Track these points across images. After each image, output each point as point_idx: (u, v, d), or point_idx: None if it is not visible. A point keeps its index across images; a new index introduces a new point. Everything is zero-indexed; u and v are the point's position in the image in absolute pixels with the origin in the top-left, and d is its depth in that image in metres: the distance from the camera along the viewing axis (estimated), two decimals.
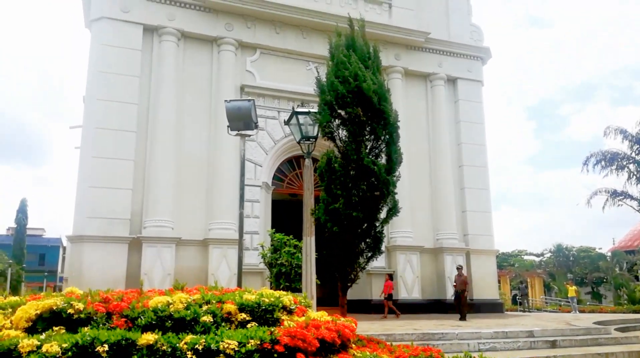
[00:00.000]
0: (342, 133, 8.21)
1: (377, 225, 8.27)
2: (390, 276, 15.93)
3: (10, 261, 36.73)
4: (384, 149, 8.30)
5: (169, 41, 15.58)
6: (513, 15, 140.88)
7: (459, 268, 14.56)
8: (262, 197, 16.00)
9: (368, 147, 8.16)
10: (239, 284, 7.82)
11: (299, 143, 8.23)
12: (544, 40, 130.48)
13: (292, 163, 17.32)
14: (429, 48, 18.95)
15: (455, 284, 14.64)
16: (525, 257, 52.08)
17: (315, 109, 8.58)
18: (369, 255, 8.28)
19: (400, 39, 18.18)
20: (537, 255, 50.41)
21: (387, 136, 8.17)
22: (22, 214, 45.31)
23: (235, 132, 7.93)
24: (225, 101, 8.06)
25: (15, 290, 38.37)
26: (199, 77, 16.06)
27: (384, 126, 8.12)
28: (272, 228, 15.72)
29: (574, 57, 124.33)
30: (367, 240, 8.13)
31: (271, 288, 10.33)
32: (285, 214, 17.09)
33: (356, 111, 7.81)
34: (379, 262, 15.69)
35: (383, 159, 8.31)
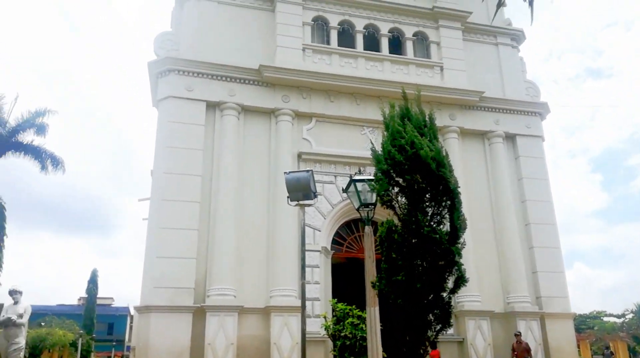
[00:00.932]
0: (402, 200, 8.14)
1: (445, 295, 7.96)
2: (434, 345, 14.40)
3: (81, 331, 37.92)
4: (446, 216, 8.11)
5: (229, 115, 16.38)
6: (570, 68, 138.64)
7: (518, 335, 13.60)
8: (321, 262, 15.91)
9: (429, 214, 8.02)
10: (303, 356, 7.68)
11: (357, 210, 8.23)
12: (603, 91, 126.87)
13: (351, 227, 17.26)
14: (484, 106, 18.85)
15: (516, 353, 13.60)
16: (605, 319, 48.21)
17: (372, 173, 8.62)
18: (438, 327, 7.92)
19: (454, 99, 18.24)
20: (618, 317, 46.61)
21: (448, 202, 8.01)
22: (92, 284, 47.19)
23: (295, 203, 8.06)
24: (285, 172, 8.28)
25: None
26: (258, 147, 16.64)
27: (444, 193, 7.98)
28: (333, 293, 15.56)
29: (636, 107, 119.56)
30: (435, 311, 7.80)
31: None
32: (345, 278, 16.84)
33: (415, 178, 7.76)
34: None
35: (446, 226, 8.12)
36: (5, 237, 20.33)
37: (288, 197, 8.29)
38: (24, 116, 22.87)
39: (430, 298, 7.71)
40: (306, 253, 14.52)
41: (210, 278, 14.75)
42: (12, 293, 12.31)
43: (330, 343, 12.64)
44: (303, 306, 7.70)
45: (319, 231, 16.15)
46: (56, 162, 23.20)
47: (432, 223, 7.94)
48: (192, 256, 14.78)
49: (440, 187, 7.86)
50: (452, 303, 8.43)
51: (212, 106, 16.48)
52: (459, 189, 8.22)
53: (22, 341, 12.23)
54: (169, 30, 17.66)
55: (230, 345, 13.92)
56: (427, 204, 8.02)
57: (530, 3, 4.48)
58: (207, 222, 15.36)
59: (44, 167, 22.91)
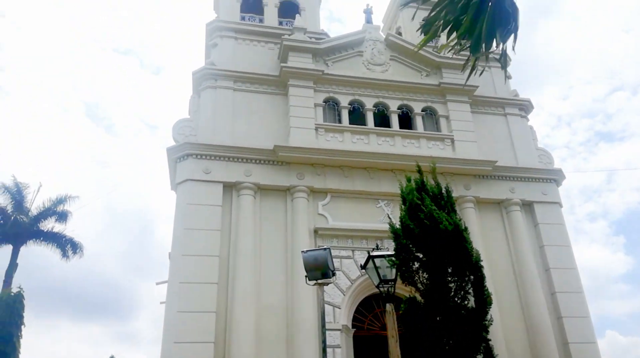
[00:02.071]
0: (423, 275, 8.03)
1: None
2: None
3: None
4: (470, 291, 7.95)
5: (246, 195, 16.66)
6: (581, 133, 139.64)
7: None
8: (342, 342, 15.42)
9: (452, 290, 7.87)
10: None
11: (377, 286, 8.12)
12: (617, 154, 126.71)
13: (371, 303, 16.86)
14: (498, 175, 18.95)
15: None
16: None
17: (390, 246, 8.57)
18: None
19: (467, 169, 18.40)
20: None
21: (472, 277, 7.88)
22: None
23: (313, 282, 8.00)
24: (302, 251, 8.27)
25: None
26: (275, 225, 16.74)
27: (467, 267, 7.88)
28: None
29: None
30: None
31: None
32: (368, 357, 16.21)
33: (435, 253, 7.70)
34: None
35: (471, 301, 7.93)
36: (23, 326, 20.19)
37: (306, 276, 8.23)
38: (45, 204, 23.53)
39: None
40: (327, 332, 14.16)
41: None
42: None
43: None
44: None
45: (339, 308, 15.80)
46: (75, 247, 23.54)
47: (456, 299, 7.77)
48: (211, 340, 14.46)
49: (462, 262, 7.76)
50: None
51: (229, 187, 16.81)
52: (482, 264, 8.10)
53: None
54: (187, 117, 18.42)
55: None
56: (449, 279, 7.89)
57: (503, 67, 4.99)
58: (225, 303, 15.16)
59: (64, 254, 23.21)
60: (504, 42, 4.52)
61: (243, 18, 21.08)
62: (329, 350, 14.58)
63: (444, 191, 8.88)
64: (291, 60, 18.92)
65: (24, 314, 20.28)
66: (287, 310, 15.45)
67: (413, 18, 19.11)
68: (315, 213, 17.11)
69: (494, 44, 4.54)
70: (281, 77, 18.81)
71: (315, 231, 16.71)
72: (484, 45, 4.41)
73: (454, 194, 13.01)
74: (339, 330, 15.43)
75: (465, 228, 8.29)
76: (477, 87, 19.97)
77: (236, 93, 18.47)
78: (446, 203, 8.55)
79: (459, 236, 7.84)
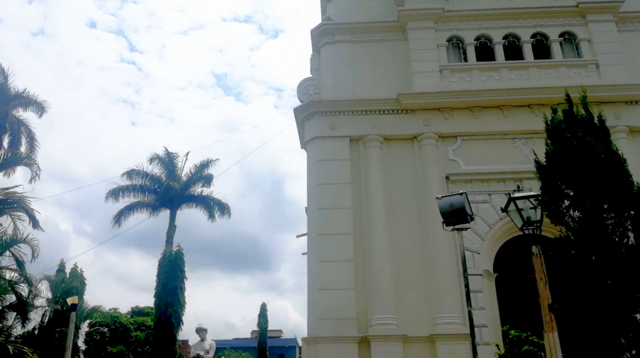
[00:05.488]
0: (575, 214, 7.40)
1: (638, 316, 6.96)
2: None
3: None
4: (629, 227, 7.18)
5: (372, 147, 16.70)
6: None
7: None
8: (484, 286, 15.09)
9: (609, 227, 7.16)
10: None
11: (521, 229, 7.72)
12: None
13: (513, 246, 16.14)
14: None
15: None
16: None
17: (532, 187, 8.05)
18: (634, 352, 6.93)
19: (616, 96, 16.40)
20: None
21: (632, 212, 7.08)
22: (262, 318, 50.48)
23: (450, 228, 7.86)
24: (437, 197, 8.15)
25: None
26: (404, 174, 16.62)
27: (626, 201, 7.09)
28: (501, 318, 14.62)
29: None
30: (629, 335, 6.86)
31: None
32: (512, 302, 15.67)
33: (589, 189, 7.00)
34: None
35: (631, 239, 7.18)
36: (185, 280, 22.82)
37: (443, 222, 8.11)
38: (192, 171, 25.85)
39: (619, 319, 6.80)
40: (468, 278, 13.94)
41: (371, 308, 14.86)
42: (199, 330, 13.79)
43: None
44: (472, 335, 7.37)
45: (478, 253, 15.40)
46: (223, 208, 25.67)
47: (613, 236, 7.08)
48: (352, 287, 15.08)
49: (621, 196, 6.98)
50: None
51: (356, 140, 16.94)
52: None
53: None
54: (309, 76, 18.74)
55: None
56: (605, 216, 7.18)
57: None
58: (362, 252, 15.61)
59: (211, 215, 25.48)
60: None
61: None
62: (471, 295, 14.37)
63: (596, 120, 7.96)
64: (408, 1, 18.12)
65: (184, 269, 22.87)
66: (424, 256, 15.45)
67: None
68: (445, 159, 16.61)
69: None
70: (399, 21, 18.15)
71: (447, 177, 16.27)
72: None
73: None
74: (479, 275, 15.09)
75: (624, 160, 7.42)
76: (623, 1, 17.46)
77: (355, 45, 18.28)
78: (600, 132, 7.65)
79: (619, 168, 7.02)
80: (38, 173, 19.65)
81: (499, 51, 17.60)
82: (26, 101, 20.76)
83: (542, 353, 8.49)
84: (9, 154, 19.37)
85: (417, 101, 16.73)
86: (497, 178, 16.09)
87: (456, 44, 18.07)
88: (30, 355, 17.86)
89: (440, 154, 16.61)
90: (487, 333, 14.15)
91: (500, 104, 16.73)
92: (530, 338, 9.79)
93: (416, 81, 17.11)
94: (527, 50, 17.55)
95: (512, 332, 10.46)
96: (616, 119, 16.38)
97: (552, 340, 6.88)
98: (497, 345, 11.17)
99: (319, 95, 17.67)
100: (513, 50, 17.84)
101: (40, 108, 20.73)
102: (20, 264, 18.62)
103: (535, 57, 17.47)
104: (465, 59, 17.68)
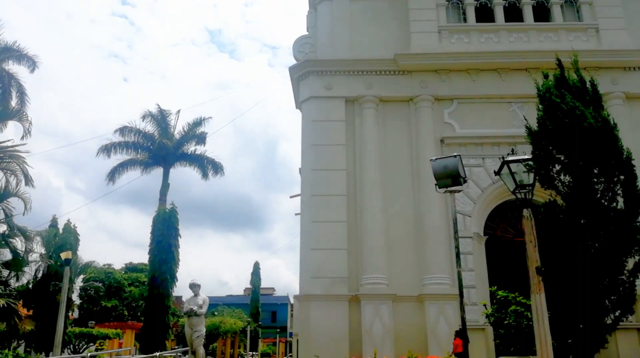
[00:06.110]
0: (565, 178, 7.44)
1: (624, 278, 7.13)
2: (457, 333, 11.20)
3: (249, 320, 41.47)
4: (618, 192, 7.25)
5: (368, 108, 16.56)
6: None
7: None
8: (474, 248, 15.34)
9: (599, 191, 7.23)
10: (465, 346, 7.53)
11: (513, 192, 7.77)
12: None
13: (504, 210, 16.33)
14: None
15: None
16: None
17: (526, 151, 8.06)
18: (617, 313, 7.13)
19: (614, 62, 16.28)
20: None
21: (621, 177, 7.13)
22: (255, 276, 51.37)
23: (443, 190, 7.90)
24: (431, 159, 8.14)
25: (254, 346, 42.99)
26: (399, 136, 16.57)
27: (616, 166, 7.13)
28: (489, 280, 14.95)
29: None
30: (612, 297, 7.04)
31: (499, 350, 9.67)
32: (500, 264, 16.00)
33: (579, 154, 7.04)
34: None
35: (620, 203, 7.25)
36: (179, 237, 23.01)
37: (436, 184, 8.14)
38: (185, 129, 25.62)
39: (605, 282, 6.97)
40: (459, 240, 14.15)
41: (362, 267, 15.11)
42: (192, 286, 13.97)
43: (489, 331, 12.16)
44: (461, 295, 7.53)
45: (469, 216, 15.58)
46: (216, 167, 25.64)
47: (602, 201, 7.16)
48: (344, 247, 15.28)
49: (610, 161, 7.02)
50: (637, 285, 7.47)
51: (351, 101, 16.79)
52: (633, 162, 7.29)
53: (202, 329, 13.84)
54: (305, 34, 18.37)
55: (387, 333, 14.15)
56: (595, 180, 7.23)
57: None
58: (355, 213, 15.73)
59: (205, 174, 25.44)
60: None
61: None
62: (461, 257, 14.61)
63: (588, 85, 7.90)
64: None
65: (178, 227, 23.03)
66: (416, 218, 15.61)
67: None
68: (441, 121, 16.54)
69: None
70: None
71: (442, 140, 16.25)
72: None
73: (600, 91, 11.68)
74: (470, 237, 15.32)
75: (615, 125, 7.41)
76: None
77: (353, 3, 17.86)
78: (591, 98, 7.62)
79: (608, 133, 7.04)
80: (30, 128, 19.42)
81: (499, 12, 17.28)
82: (17, 54, 20.22)
83: (529, 313, 8.74)
84: (0, 109, 19.04)
85: (415, 62, 16.52)
86: (492, 141, 16.09)
87: (456, 3, 17.71)
88: (19, 308, 18.10)
89: (436, 117, 16.53)
90: (476, 294, 14.48)
91: (497, 67, 16.55)
92: (517, 299, 10.04)
93: (414, 41, 16.83)
94: (528, 12, 17.24)
95: (500, 292, 10.71)
96: (613, 85, 16.30)
97: (539, 301, 7.05)
98: (485, 305, 11.45)
99: (315, 54, 17.37)
100: (513, 12, 17.50)
101: (31, 63, 20.23)
102: (9, 218, 18.63)
103: (536, 20, 17.18)
104: (465, 20, 17.37)
